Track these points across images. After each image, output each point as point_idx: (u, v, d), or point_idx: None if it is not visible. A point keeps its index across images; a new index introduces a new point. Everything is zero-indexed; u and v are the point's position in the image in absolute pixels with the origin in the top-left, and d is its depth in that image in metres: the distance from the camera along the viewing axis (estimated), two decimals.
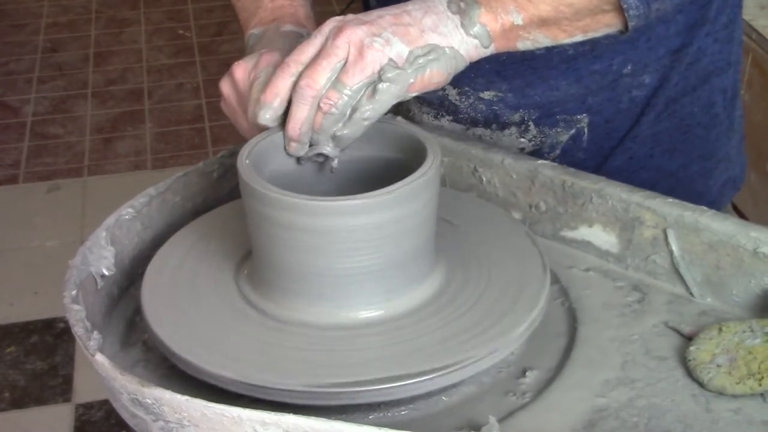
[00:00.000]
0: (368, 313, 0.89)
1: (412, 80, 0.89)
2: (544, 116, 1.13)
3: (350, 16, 0.90)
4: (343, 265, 0.87)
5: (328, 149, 0.92)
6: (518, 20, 0.91)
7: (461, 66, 0.92)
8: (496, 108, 1.14)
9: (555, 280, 0.99)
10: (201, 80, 3.80)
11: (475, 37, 0.91)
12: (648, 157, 1.15)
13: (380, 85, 0.88)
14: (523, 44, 0.93)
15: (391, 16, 0.90)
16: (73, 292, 0.89)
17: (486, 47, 0.92)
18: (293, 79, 0.90)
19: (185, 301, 0.92)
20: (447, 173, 1.10)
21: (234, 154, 0.94)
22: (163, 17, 4.30)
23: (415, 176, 0.88)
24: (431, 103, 1.18)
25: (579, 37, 0.94)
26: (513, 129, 1.14)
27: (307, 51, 0.90)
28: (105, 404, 2.34)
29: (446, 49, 0.90)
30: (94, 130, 3.52)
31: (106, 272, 0.96)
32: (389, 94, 0.89)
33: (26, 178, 3.28)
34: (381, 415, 0.86)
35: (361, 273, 0.88)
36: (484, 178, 1.08)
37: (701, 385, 0.86)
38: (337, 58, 0.88)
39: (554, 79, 1.10)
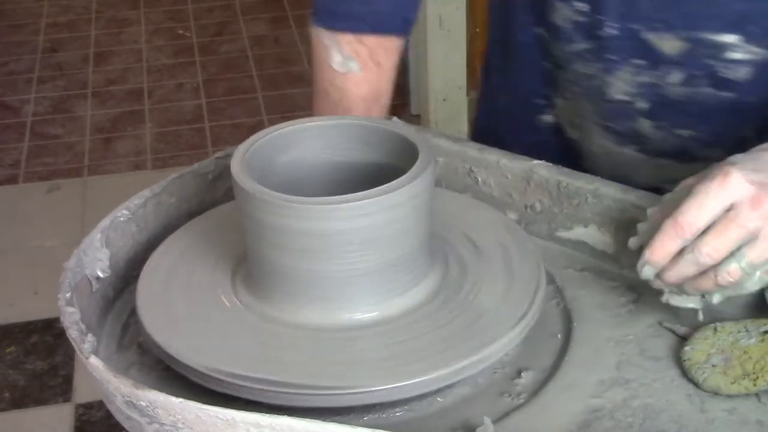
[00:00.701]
0: (363, 315, 0.89)
1: None
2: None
3: (757, 179, 0.83)
4: (338, 267, 0.87)
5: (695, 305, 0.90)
6: None
7: None
8: (689, 144, 1.08)
9: (550, 280, 0.99)
10: (201, 80, 3.81)
11: None
12: None
13: None
14: None
15: None
16: (68, 295, 0.89)
17: None
18: (684, 244, 0.85)
19: (180, 304, 0.92)
20: (442, 174, 1.10)
21: (229, 156, 0.94)
22: (163, 17, 4.30)
23: (409, 177, 0.87)
24: (618, 132, 1.12)
25: None
26: (702, 165, 1.07)
27: (704, 213, 0.84)
28: (105, 404, 2.34)
29: None
30: (94, 130, 3.53)
31: (100, 274, 0.96)
32: None
33: (26, 178, 3.28)
34: (376, 416, 0.86)
35: (356, 275, 0.88)
36: (479, 179, 1.08)
37: (696, 385, 0.86)
38: (749, 233, 0.83)
39: (757, 120, 1.04)
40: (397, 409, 0.86)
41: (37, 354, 2.55)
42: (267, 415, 0.75)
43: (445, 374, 0.83)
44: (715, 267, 0.85)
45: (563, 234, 1.04)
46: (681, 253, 0.86)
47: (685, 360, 0.88)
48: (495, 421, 0.83)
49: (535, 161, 1.05)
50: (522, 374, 0.90)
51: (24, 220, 3.06)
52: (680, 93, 1.04)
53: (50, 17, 4.32)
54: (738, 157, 0.87)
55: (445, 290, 0.92)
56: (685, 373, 0.88)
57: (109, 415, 2.28)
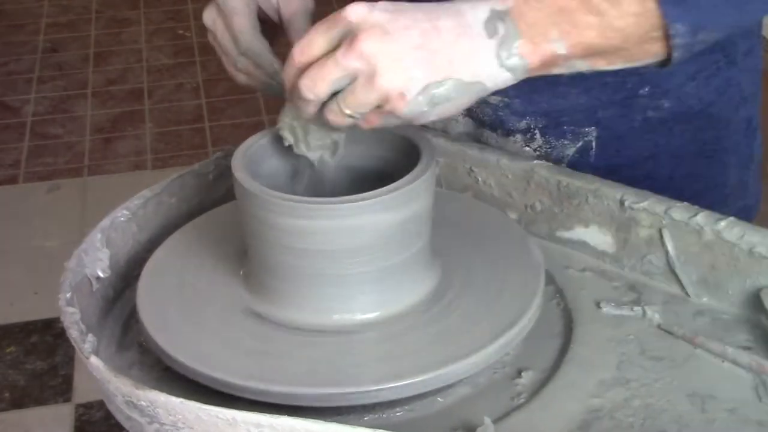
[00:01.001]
0: (364, 315, 0.89)
1: (418, 116, 0.83)
2: (551, 126, 1.10)
3: (375, 17, 0.81)
4: (338, 266, 0.87)
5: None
6: (561, 49, 0.82)
7: (482, 95, 0.85)
8: (501, 114, 1.10)
9: (551, 280, 0.99)
10: (201, 80, 3.80)
11: (509, 69, 0.82)
12: (668, 179, 1.13)
13: (382, 119, 0.84)
14: (558, 70, 0.85)
15: (419, 35, 0.81)
16: (68, 295, 0.90)
17: (517, 79, 0.84)
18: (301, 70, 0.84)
19: (180, 303, 0.92)
20: (443, 174, 1.10)
21: (229, 156, 0.94)
22: (163, 17, 4.30)
23: (411, 177, 0.87)
24: None
25: (618, 66, 0.87)
26: (518, 137, 1.11)
27: (317, 45, 0.83)
28: (105, 404, 2.34)
29: (470, 83, 0.82)
30: (94, 130, 3.52)
31: (101, 274, 0.96)
32: (388, 125, 0.86)
33: (26, 178, 3.28)
34: (376, 416, 0.86)
35: (356, 274, 0.88)
36: (479, 179, 1.08)
37: None
38: (345, 72, 0.81)
39: (563, 86, 1.07)
40: (398, 409, 0.86)
41: (37, 354, 2.55)
42: (267, 415, 0.75)
43: (444, 374, 0.83)
44: (324, 105, 0.84)
45: (564, 234, 1.04)
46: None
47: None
48: (495, 421, 0.83)
49: (536, 161, 1.05)
50: (522, 374, 0.90)
51: (24, 220, 3.06)
52: None
53: (50, 17, 4.32)
54: None
55: (445, 290, 0.92)
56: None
57: (108, 415, 2.29)
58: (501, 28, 0.81)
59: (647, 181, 1.09)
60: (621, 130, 1.10)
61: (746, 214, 1.21)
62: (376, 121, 0.85)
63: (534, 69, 0.83)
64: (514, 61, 0.82)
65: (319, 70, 0.82)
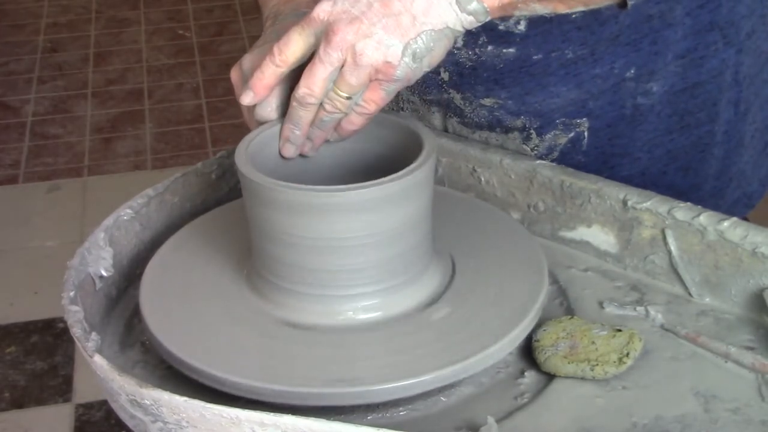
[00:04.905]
0: (366, 314, 0.89)
1: (410, 74, 0.88)
2: (546, 125, 1.10)
3: (339, 7, 0.87)
4: (340, 259, 0.87)
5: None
6: None
7: (458, 36, 0.90)
8: (497, 114, 1.11)
9: (554, 280, 0.99)
10: (201, 80, 3.80)
11: (471, 13, 0.87)
12: (662, 173, 1.13)
13: (382, 90, 0.88)
14: (518, 12, 0.91)
15: (379, 5, 0.87)
16: (72, 293, 0.90)
17: (481, 21, 0.89)
18: (280, 69, 0.90)
19: (184, 302, 0.92)
20: (446, 173, 1.10)
21: (232, 155, 0.94)
22: (163, 17, 4.30)
23: (413, 167, 0.87)
24: (439, 103, 1.15)
25: (579, 9, 0.91)
26: (516, 134, 1.11)
27: (294, 42, 0.89)
28: (105, 404, 2.34)
29: (441, 30, 0.87)
30: (94, 130, 3.52)
31: (104, 273, 0.97)
32: (390, 93, 0.89)
33: (26, 178, 3.28)
34: (379, 415, 0.86)
35: (358, 268, 0.88)
36: (482, 179, 1.08)
37: (539, 365, 0.89)
38: (332, 66, 0.88)
39: (554, 85, 1.08)
40: (401, 409, 0.86)
41: (37, 354, 2.55)
42: (271, 413, 0.75)
43: (447, 374, 0.83)
44: (321, 103, 0.90)
45: (566, 234, 1.04)
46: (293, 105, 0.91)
47: (534, 341, 0.90)
48: (498, 421, 0.83)
49: (538, 161, 1.05)
50: (525, 374, 0.90)
51: (24, 220, 3.06)
52: (468, 57, 1.05)
53: (50, 17, 4.31)
54: None
55: (447, 289, 0.92)
56: (531, 353, 0.90)
57: (109, 415, 2.27)
58: None
59: (642, 176, 1.09)
60: (611, 118, 1.10)
61: (746, 203, 1.21)
62: (378, 94, 0.89)
63: (494, 11, 0.89)
64: (473, 6, 0.87)
65: (310, 75, 0.88)
